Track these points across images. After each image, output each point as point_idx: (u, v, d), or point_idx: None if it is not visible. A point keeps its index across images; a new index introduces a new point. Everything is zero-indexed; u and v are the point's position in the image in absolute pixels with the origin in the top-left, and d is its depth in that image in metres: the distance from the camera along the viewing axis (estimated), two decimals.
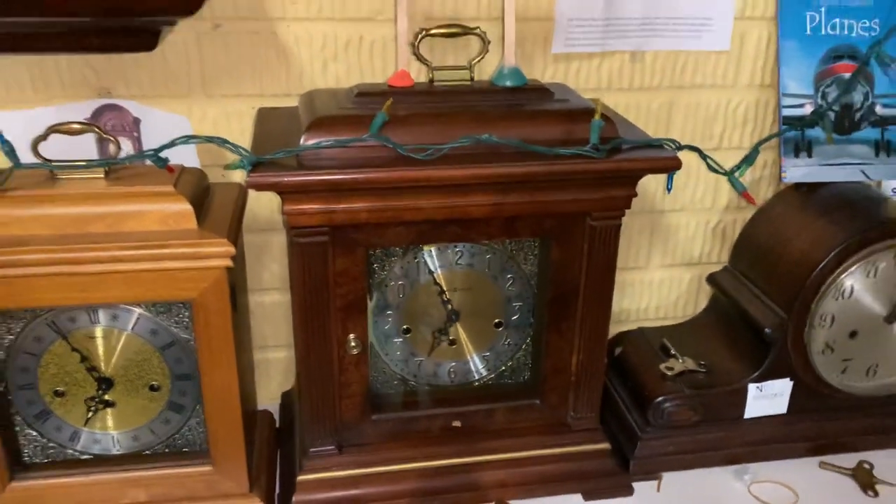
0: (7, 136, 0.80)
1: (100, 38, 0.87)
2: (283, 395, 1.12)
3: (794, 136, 1.06)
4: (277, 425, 1.06)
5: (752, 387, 1.01)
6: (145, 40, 0.84)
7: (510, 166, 0.80)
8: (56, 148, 0.82)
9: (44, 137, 0.80)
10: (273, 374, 1.13)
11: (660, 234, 1.17)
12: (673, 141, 0.85)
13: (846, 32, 1.06)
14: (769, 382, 1.01)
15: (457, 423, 0.95)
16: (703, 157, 0.88)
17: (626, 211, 0.86)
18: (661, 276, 1.20)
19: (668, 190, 0.85)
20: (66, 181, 0.81)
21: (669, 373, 1.03)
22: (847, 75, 1.05)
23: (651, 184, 1.11)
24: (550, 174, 0.80)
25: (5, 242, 0.77)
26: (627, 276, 1.19)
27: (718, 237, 1.18)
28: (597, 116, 0.80)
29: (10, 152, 0.78)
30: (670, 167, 0.82)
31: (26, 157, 0.80)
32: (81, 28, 0.84)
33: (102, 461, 0.90)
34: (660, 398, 0.99)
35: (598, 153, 0.80)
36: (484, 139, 0.79)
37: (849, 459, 1.05)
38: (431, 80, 0.88)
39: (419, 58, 0.88)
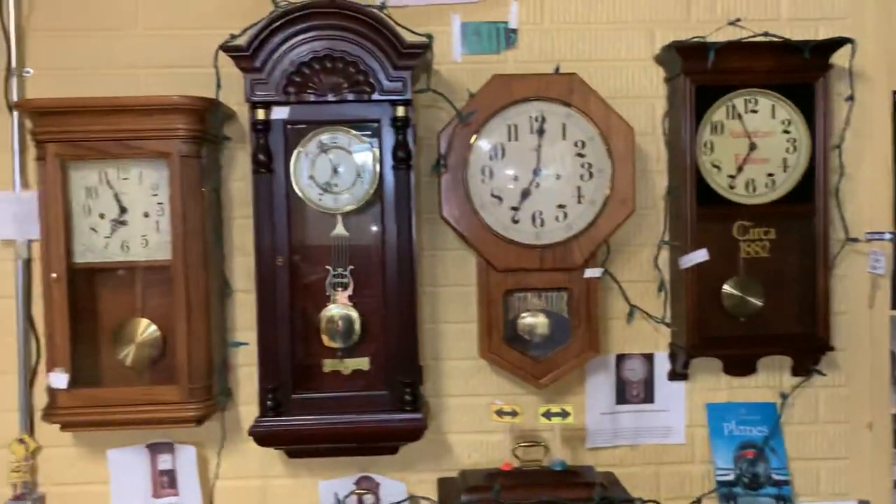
0: None
1: (363, 451, 1.91)
2: None
3: (725, 492, 1.92)
4: None
5: None
6: (391, 451, 1.87)
7: None
8: None
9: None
10: None
11: None
12: (639, 498, 1.75)
13: (748, 433, 1.97)
14: None
15: None
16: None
17: None
18: None
19: None
20: None
21: None
22: (751, 457, 1.94)
23: None
24: None
25: None
26: None
27: None
28: (596, 487, 1.73)
29: None
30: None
31: None
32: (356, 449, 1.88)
33: None
34: None
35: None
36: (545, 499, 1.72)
37: None
38: (520, 467, 1.84)
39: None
